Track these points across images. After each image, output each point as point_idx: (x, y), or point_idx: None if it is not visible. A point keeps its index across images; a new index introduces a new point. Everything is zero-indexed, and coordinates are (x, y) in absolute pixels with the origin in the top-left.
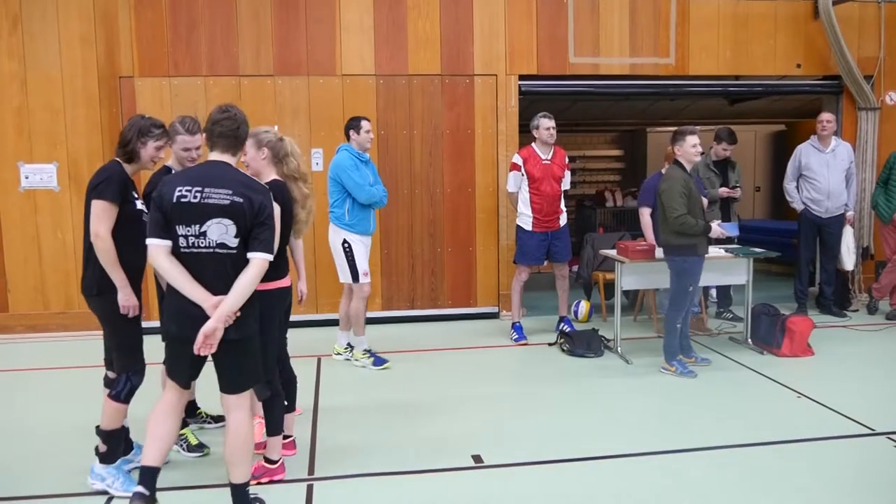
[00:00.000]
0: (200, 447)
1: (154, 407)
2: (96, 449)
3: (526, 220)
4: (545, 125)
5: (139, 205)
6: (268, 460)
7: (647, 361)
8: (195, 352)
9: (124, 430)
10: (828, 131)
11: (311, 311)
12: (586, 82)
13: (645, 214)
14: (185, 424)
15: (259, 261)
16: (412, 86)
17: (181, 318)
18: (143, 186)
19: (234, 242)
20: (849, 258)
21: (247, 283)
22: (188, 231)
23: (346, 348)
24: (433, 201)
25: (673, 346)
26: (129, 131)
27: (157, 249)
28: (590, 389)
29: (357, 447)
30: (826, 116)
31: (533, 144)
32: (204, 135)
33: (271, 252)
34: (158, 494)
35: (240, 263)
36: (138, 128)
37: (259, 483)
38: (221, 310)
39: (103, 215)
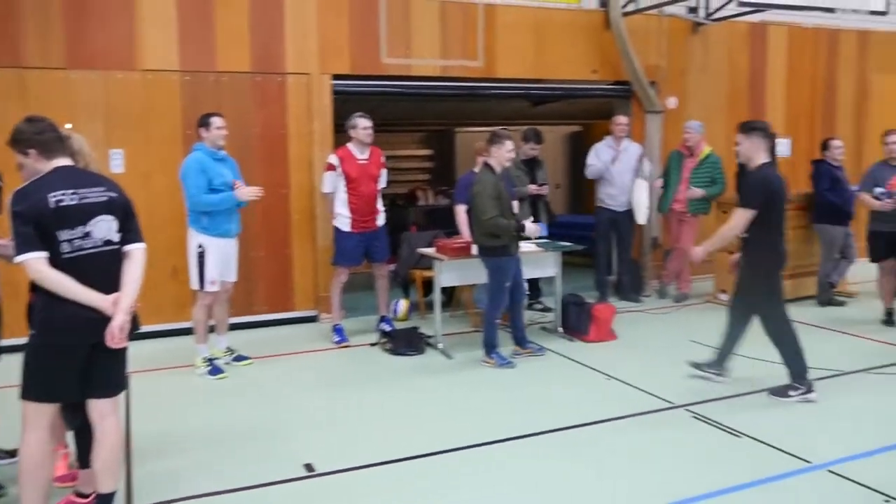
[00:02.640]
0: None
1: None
2: None
3: (343, 220)
4: (362, 125)
5: None
6: (80, 494)
7: (467, 356)
8: (113, 345)
9: None
10: (623, 133)
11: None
12: (399, 83)
13: (461, 212)
14: None
15: (141, 251)
16: (221, 83)
17: (77, 325)
18: None
19: (117, 237)
20: (641, 212)
21: (138, 273)
22: (73, 234)
23: (226, 352)
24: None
25: (491, 340)
26: None
27: (39, 262)
28: (415, 387)
29: (180, 468)
30: (622, 119)
31: (349, 144)
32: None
33: (144, 241)
34: None
35: (119, 257)
36: None
37: None
38: (126, 302)
39: None
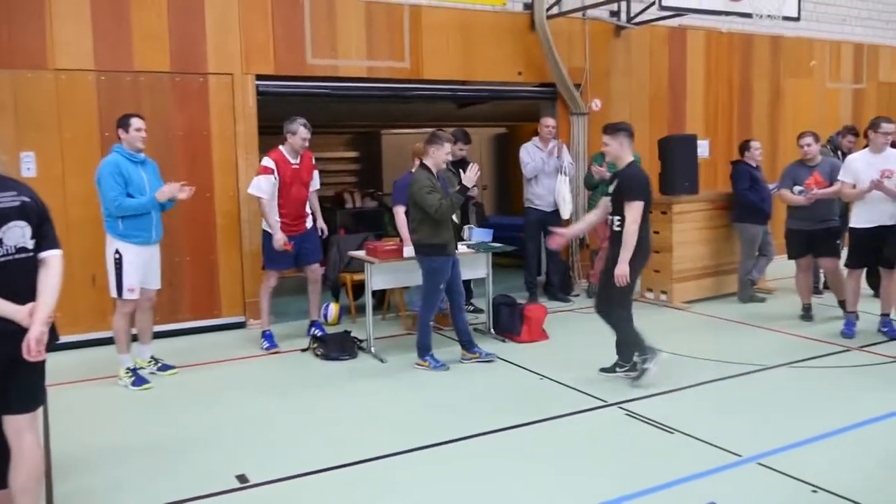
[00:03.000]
0: None
1: None
2: None
3: (273, 224)
4: (302, 135)
5: None
6: None
7: (400, 359)
8: (30, 358)
9: None
10: (551, 135)
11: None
12: (325, 84)
13: (399, 213)
14: None
15: (57, 258)
16: (139, 84)
17: None
18: None
19: (31, 244)
20: (565, 207)
21: (56, 281)
22: None
23: (150, 361)
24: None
25: (425, 343)
26: None
27: None
28: (349, 392)
29: (104, 485)
30: (550, 121)
31: (282, 148)
32: None
33: (60, 247)
34: None
35: (34, 265)
36: None
37: None
38: (43, 312)
39: None
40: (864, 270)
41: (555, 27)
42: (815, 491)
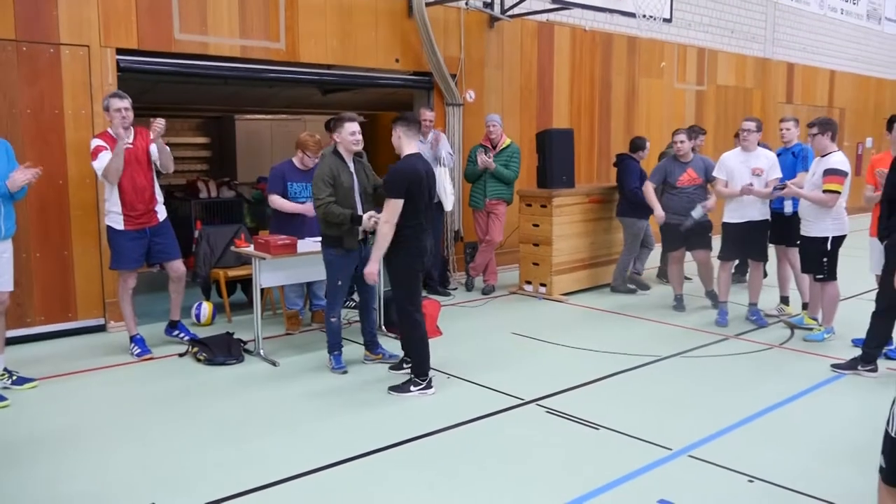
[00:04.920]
0: None
1: None
2: None
3: (116, 218)
4: (115, 105)
5: None
6: None
7: (292, 361)
8: None
9: None
10: (429, 128)
11: None
12: (196, 62)
13: (275, 201)
14: None
15: None
16: None
17: None
18: None
19: None
20: (448, 199)
21: None
22: None
23: (3, 374)
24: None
25: (331, 340)
26: None
27: None
28: (246, 401)
29: None
30: (429, 114)
31: (109, 129)
32: None
33: None
34: None
35: None
36: None
37: None
38: None
39: None
40: (735, 263)
41: (430, 14)
42: (750, 481)
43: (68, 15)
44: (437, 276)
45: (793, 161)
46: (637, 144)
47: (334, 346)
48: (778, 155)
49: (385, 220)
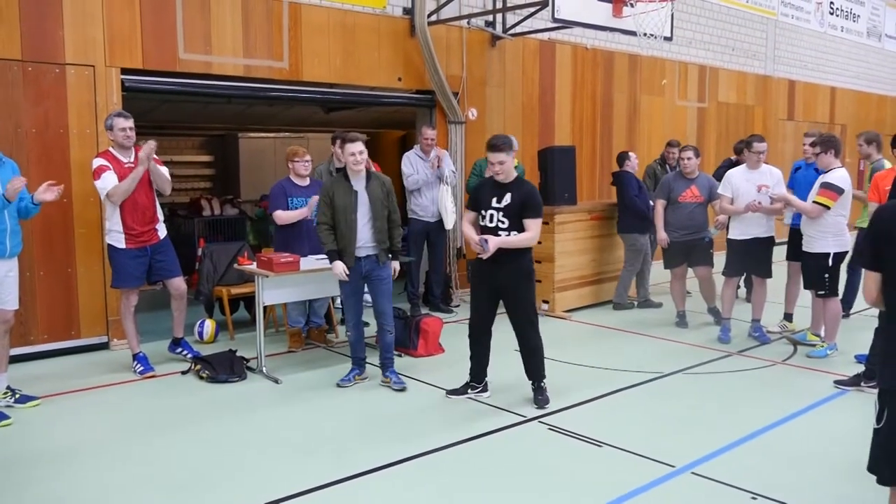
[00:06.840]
0: None
1: None
2: None
3: (117, 236)
4: (121, 125)
5: None
6: None
7: (295, 379)
8: None
9: None
10: (431, 147)
11: None
12: (200, 82)
13: (279, 217)
14: None
15: None
16: None
17: None
18: None
19: None
20: (448, 217)
21: None
22: None
23: (6, 392)
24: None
25: (352, 354)
26: None
27: None
28: (252, 419)
29: None
30: (430, 133)
31: (110, 148)
32: None
33: None
34: None
35: None
36: None
37: None
38: None
39: None
40: (740, 279)
41: (432, 34)
42: (754, 498)
43: (74, 35)
44: (440, 294)
45: (815, 176)
46: (622, 157)
47: (355, 360)
48: (797, 168)
49: (534, 237)
